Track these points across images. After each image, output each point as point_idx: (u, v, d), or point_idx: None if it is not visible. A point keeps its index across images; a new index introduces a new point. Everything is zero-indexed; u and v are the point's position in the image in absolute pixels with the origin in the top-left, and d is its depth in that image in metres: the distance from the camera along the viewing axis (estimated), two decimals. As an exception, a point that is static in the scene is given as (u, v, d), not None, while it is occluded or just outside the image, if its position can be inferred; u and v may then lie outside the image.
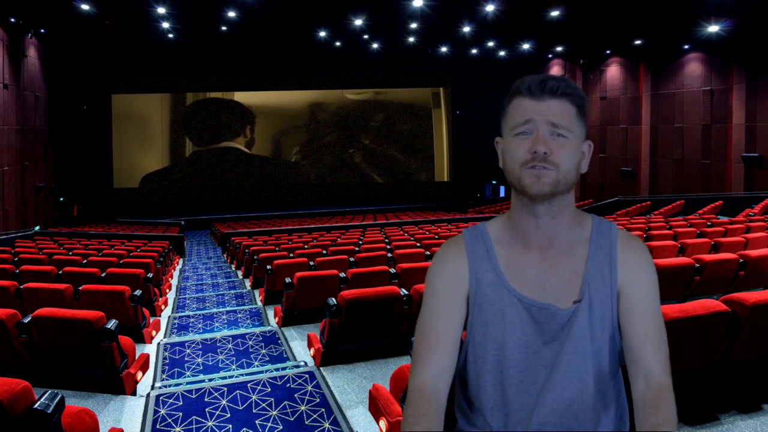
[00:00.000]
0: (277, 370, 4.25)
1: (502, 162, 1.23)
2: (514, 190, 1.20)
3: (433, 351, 1.20)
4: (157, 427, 3.24)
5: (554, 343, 1.15)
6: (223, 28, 18.87)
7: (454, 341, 1.21)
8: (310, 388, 3.72)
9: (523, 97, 1.17)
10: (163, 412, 3.41)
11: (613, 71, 21.19)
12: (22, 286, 5.05)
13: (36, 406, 2.07)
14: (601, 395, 1.16)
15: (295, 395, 3.61)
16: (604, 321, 1.17)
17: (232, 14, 16.90)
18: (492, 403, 1.17)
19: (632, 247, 1.23)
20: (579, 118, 1.17)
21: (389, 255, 7.54)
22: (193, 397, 3.59)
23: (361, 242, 9.84)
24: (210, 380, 4.04)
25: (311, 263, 6.74)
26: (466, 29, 18.09)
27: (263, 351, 4.93)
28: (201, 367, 4.58)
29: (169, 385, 4.00)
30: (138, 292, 5.07)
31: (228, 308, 7.07)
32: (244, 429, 3.20)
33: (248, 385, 3.76)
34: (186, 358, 4.77)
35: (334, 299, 4.11)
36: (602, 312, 1.17)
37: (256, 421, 3.28)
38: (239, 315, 6.57)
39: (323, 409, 3.42)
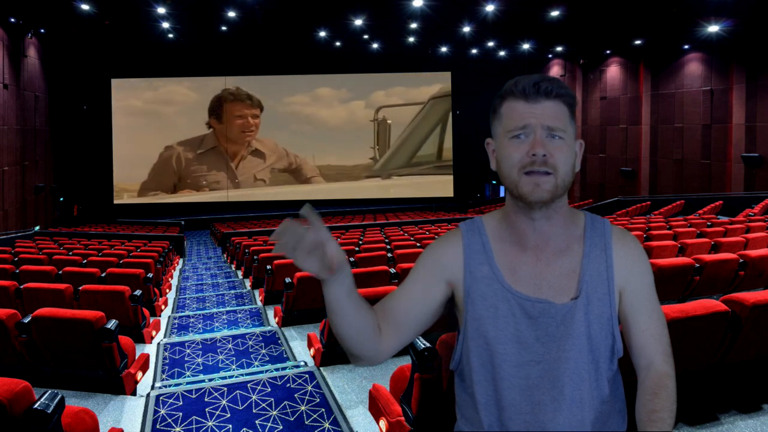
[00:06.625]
0: (277, 370, 4.25)
1: (495, 164, 1.23)
2: (509, 193, 1.20)
3: (385, 321, 1.23)
4: (157, 427, 3.24)
5: (550, 341, 1.14)
6: (223, 28, 18.87)
7: (408, 323, 1.24)
8: (310, 388, 3.72)
9: (517, 99, 1.16)
10: (163, 412, 3.41)
11: (613, 71, 21.19)
12: (22, 286, 5.05)
13: (36, 406, 2.07)
14: (599, 392, 1.16)
15: (295, 395, 3.61)
16: (602, 318, 1.17)
17: (232, 14, 16.90)
18: (485, 398, 1.18)
19: (627, 243, 1.25)
20: (571, 118, 1.18)
21: (389, 255, 7.53)
22: (193, 397, 3.59)
23: (361, 242, 9.83)
24: (210, 380, 4.04)
25: (311, 263, 6.72)
26: (466, 29, 18.09)
27: (263, 351, 4.93)
28: (201, 367, 4.58)
29: (169, 385, 4.00)
30: (138, 292, 5.07)
31: (228, 308, 7.07)
32: (244, 429, 3.20)
33: (248, 385, 3.76)
34: (186, 358, 4.77)
35: (334, 299, 4.09)
36: (601, 309, 1.17)
37: (256, 421, 3.28)
38: (239, 315, 6.57)
39: (323, 409, 3.42)
